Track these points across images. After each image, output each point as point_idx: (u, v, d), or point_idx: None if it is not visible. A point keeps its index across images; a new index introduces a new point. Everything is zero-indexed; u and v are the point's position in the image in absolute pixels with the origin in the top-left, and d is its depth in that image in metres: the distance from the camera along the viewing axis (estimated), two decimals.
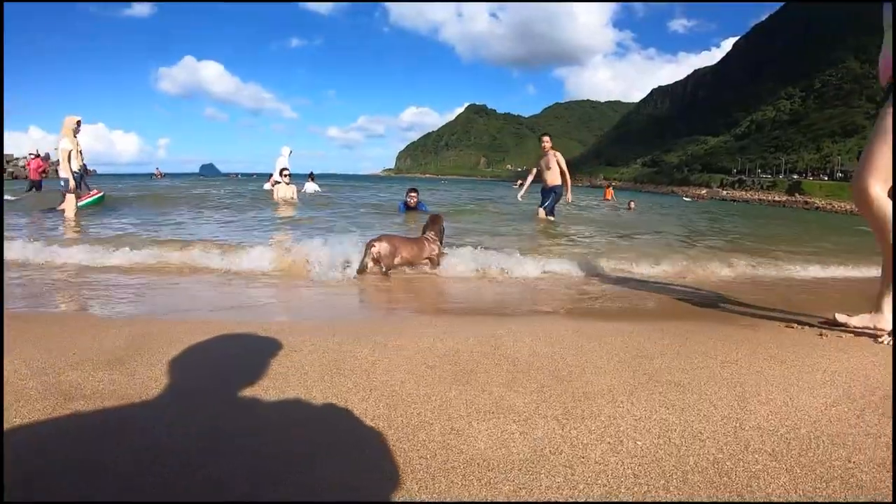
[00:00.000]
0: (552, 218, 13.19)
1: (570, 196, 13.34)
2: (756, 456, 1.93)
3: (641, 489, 1.70)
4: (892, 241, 3.41)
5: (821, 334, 3.73)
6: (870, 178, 3.49)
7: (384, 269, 5.79)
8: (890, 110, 3.43)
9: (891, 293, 3.70)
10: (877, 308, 3.80)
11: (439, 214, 6.76)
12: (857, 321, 3.85)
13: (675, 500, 1.66)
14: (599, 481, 1.74)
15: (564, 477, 1.76)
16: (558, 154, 13.10)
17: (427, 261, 6.16)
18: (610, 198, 31.35)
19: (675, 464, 1.86)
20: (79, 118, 11.82)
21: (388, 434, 2.02)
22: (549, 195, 13.13)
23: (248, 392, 2.34)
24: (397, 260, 5.92)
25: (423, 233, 6.40)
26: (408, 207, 14.39)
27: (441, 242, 6.42)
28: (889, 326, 3.69)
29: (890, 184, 3.46)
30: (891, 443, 2.07)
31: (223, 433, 1.97)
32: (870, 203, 3.51)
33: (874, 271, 6.27)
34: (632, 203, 25.81)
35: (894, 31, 3.40)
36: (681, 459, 1.89)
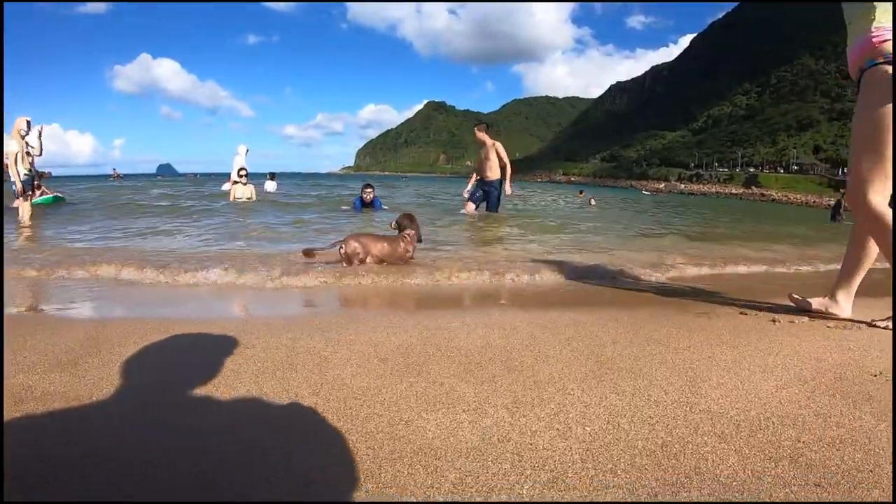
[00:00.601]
0: (491, 212, 12.80)
1: (508, 187, 12.84)
2: (705, 438, 1.93)
3: (589, 473, 1.69)
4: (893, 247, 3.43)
5: (773, 320, 3.77)
6: (869, 190, 3.42)
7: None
8: (863, 107, 3.45)
9: (850, 287, 3.84)
10: (831, 295, 3.92)
11: (413, 213, 6.65)
12: (815, 303, 3.96)
13: (622, 482, 1.65)
14: (547, 467, 1.73)
15: (511, 463, 1.74)
16: (497, 144, 12.67)
17: (399, 260, 6.06)
18: (582, 196, 31.89)
19: (624, 448, 1.85)
20: (27, 119, 11.65)
21: (337, 426, 1.99)
22: (490, 190, 12.79)
23: (199, 390, 2.29)
24: (368, 259, 5.86)
25: (400, 230, 6.33)
26: (363, 204, 14.29)
27: (420, 241, 6.38)
28: (844, 314, 3.84)
29: (888, 192, 3.42)
30: (841, 421, 2.10)
31: (173, 432, 1.92)
32: (875, 218, 3.44)
33: (833, 265, 6.44)
34: (592, 200, 26.08)
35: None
36: (629, 443, 1.88)
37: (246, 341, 3.02)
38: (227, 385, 2.36)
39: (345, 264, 5.77)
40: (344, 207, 15.32)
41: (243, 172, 17.32)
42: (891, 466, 1.76)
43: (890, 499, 1.58)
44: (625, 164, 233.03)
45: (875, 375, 2.62)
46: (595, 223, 13.69)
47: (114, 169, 56.77)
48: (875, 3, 3.32)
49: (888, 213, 3.38)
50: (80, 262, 5.85)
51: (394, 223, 6.46)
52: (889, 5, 3.29)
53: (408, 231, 6.29)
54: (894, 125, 3.24)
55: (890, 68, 3.26)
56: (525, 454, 1.81)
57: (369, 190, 14.37)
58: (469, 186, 13.63)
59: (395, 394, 2.29)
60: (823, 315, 3.90)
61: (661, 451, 1.83)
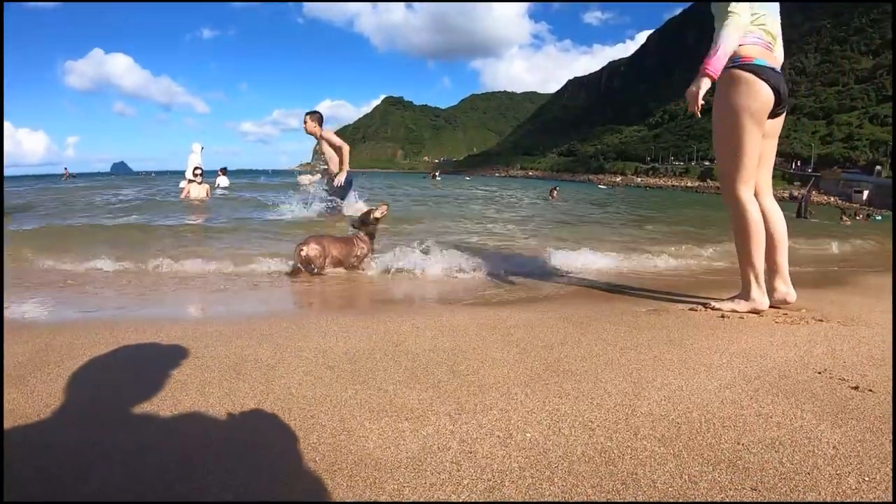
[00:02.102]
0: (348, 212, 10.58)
1: (337, 179, 10.86)
2: (644, 442, 1.94)
3: (526, 482, 1.69)
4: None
5: (723, 316, 3.82)
6: (737, 184, 3.89)
7: (315, 271, 5.63)
8: (716, 108, 3.96)
9: (758, 276, 3.97)
10: (746, 297, 4.03)
11: (370, 211, 6.42)
12: (725, 306, 4.05)
13: (559, 491, 1.65)
14: (484, 476, 1.72)
15: (450, 473, 1.74)
16: (328, 132, 11.14)
17: (356, 259, 5.99)
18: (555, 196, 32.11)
19: (563, 454, 1.86)
20: None
21: (279, 438, 1.97)
22: (347, 186, 11.05)
23: (145, 405, 2.25)
24: (328, 261, 5.77)
25: (355, 230, 6.21)
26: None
27: (373, 239, 6.25)
28: (763, 307, 3.97)
29: (751, 182, 3.91)
30: (782, 422, 2.13)
31: (116, 447, 1.89)
32: (741, 213, 3.90)
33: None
34: (554, 192, 26.30)
35: None
36: (568, 450, 1.89)
37: (195, 350, 2.97)
38: (172, 398, 2.31)
39: (301, 268, 5.66)
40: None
41: (199, 171, 16.83)
42: (830, 468, 1.79)
43: (890, 499, 1.60)
44: (582, 158, 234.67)
45: (820, 373, 2.67)
46: (558, 215, 13.71)
47: (65, 168, 55.64)
48: (730, 10, 3.65)
49: (752, 209, 3.87)
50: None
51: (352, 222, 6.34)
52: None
53: (361, 231, 6.18)
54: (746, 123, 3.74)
55: (738, 72, 3.72)
56: (464, 463, 1.80)
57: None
58: (306, 181, 11.87)
59: (340, 402, 2.27)
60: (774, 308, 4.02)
61: (600, 457, 1.84)
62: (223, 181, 22.16)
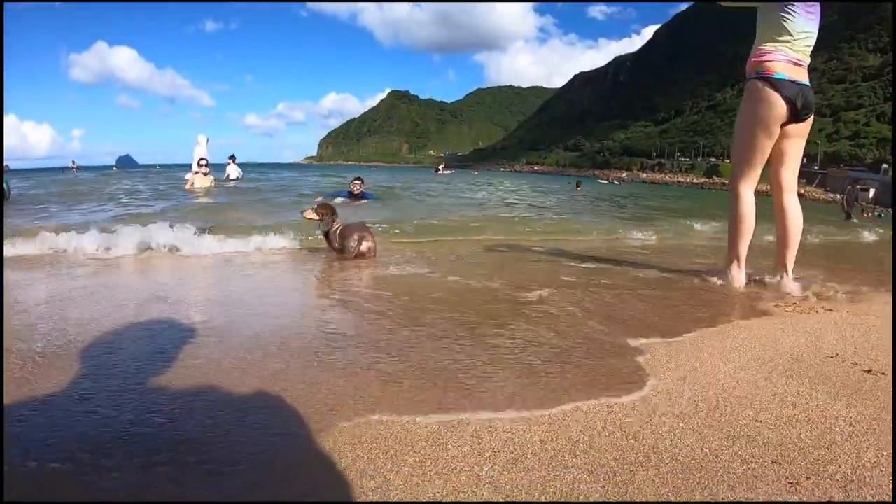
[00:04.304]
0: None
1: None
2: (664, 419, 1.97)
3: (548, 454, 1.71)
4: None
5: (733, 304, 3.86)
6: (740, 180, 4.47)
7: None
8: (739, 112, 4.51)
9: (739, 259, 4.52)
10: (726, 275, 4.57)
11: (329, 202, 6.37)
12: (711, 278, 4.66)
13: (581, 462, 1.66)
14: (506, 448, 1.75)
15: (471, 446, 1.76)
16: None
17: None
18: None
19: (582, 429, 1.88)
20: None
21: None
22: None
23: None
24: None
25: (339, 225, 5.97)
26: (351, 196, 13.45)
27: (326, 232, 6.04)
28: (737, 285, 4.45)
29: (753, 181, 4.48)
30: (797, 401, 2.15)
31: None
32: (738, 204, 4.48)
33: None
34: (579, 185, 27.05)
35: None
36: (588, 424, 1.91)
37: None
38: None
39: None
40: (338, 200, 13.57)
41: (203, 162, 16.74)
42: (848, 443, 1.81)
43: (890, 498, 1.60)
44: (588, 153, 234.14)
45: (832, 357, 2.69)
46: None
47: (73, 161, 55.57)
48: (764, 24, 4.27)
49: (746, 204, 4.44)
50: None
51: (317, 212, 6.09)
52: (766, 29, 4.26)
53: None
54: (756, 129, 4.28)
55: (757, 82, 4.22)
56: (485, 437, 1.83)
57: (358, 182, 13.64)
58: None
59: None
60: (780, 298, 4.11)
61: (620, 432, 1.87)
62: (233, 170, 21.59)
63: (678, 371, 2.44)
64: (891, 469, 1.66)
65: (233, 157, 22.74)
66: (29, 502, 1.53)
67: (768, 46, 4.22)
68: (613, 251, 6.53)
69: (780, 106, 4.14)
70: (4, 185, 13.26)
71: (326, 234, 5.96)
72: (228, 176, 20.79)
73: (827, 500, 1.55)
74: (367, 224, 6.18)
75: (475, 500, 1.53)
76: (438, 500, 1.55)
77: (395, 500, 1.52)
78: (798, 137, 4.40)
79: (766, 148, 4.32)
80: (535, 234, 8.11)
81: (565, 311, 3.53)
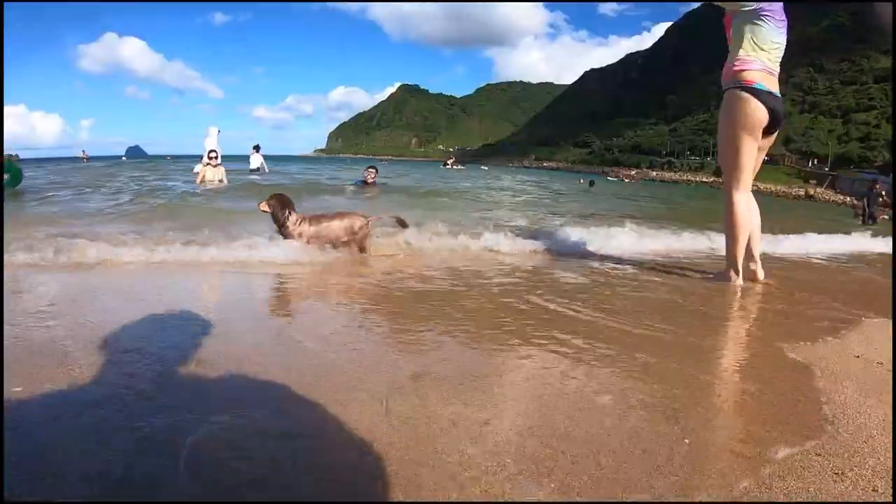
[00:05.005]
0: None
1: None
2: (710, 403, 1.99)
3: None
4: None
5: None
6: (733, 187, 4.66)
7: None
8: (720, 123, 4.71)
9: (737, 261, 4.71)
10: (727, 276, 4.79)
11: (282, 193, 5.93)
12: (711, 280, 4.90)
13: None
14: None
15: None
16: None
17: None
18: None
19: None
20: None
21: None
22: None
23: None
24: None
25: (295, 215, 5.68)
26: (366, 184, 13.89)
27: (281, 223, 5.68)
28: (736, 285, 4.67)
29: (747, 185, 4.68)
30: (830, 398, 2.23)
31: None
32: (732, 210, 4.66)
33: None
34: (581, 180, 27.04)
35: None
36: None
37: None
38: None
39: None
40: (350, 188, 14.53)
41: (213, 154, 16.45)
42: (885, 438, 1.91)
43: (890, 499, 1.63)
44: (598, 150, 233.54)
45: (857, 357, 2.81)
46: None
47: (83, 151, 55.66)
48: (745, 33, 4.42)
49: (743, 209, 4.62)
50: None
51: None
52: (748, 39, 4.42)
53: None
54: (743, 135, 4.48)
55: (739, 92, 4.40)
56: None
57: (372, 171, 14.03)
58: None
59: None
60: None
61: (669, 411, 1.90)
62: (256, 161, 21.57)
63: (712, 364, 2.56)
64: None
65: (256, 147, 22.70)
66: (29, 502, 1.53)
67: (746, 56, 4.43)
68: None
69: (762, 113, 4.39)
70: (9, 171, 13.25)
71: (282, 229, 5.59)
72: (252, 167, 21.05)
73: (829, 499, 1.59)
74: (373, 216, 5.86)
75: (475, 501, 1.55)
76: (439, 500, 1.57)
77: None
78: (763, 150, 4.77)
79: (754, 152, 4.57)
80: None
81: None
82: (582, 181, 36.14)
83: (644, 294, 4.29)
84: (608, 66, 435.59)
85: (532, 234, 6.80)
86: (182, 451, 1.68)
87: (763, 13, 4.35)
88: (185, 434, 1.78)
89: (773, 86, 4.46)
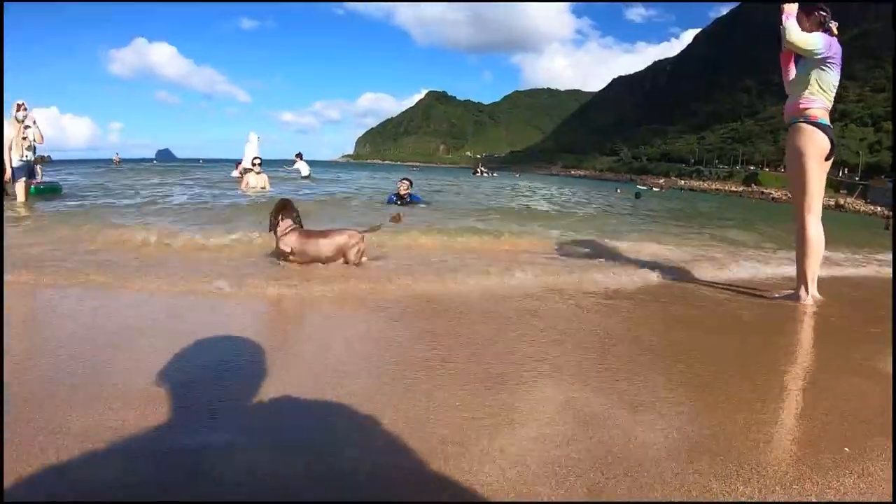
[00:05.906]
0: None
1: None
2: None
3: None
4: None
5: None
6: (805, 212, 5.02)
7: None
8: (789, 153, 5.13)
9: (808, 283, 5.07)
10: (797, 297, 5.15)
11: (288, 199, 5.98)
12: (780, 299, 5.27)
13: None
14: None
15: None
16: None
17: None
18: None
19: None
20: (19, 102, 11.19)
21: None
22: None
23: None
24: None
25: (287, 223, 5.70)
26: (399, 199, 12.72)
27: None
28: (807, 304, 5.02)
29: (817, 209, 5.03)
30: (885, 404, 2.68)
31: None
32: (804, 234, 5.03)
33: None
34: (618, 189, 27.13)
35: None
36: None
37: None
38: None
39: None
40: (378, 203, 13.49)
41: (257, 161, 16.74)
42: None
43: (890, 499, 1.78)
44: (625, 158, 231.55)
45: None
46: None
47: (116, 154, 55.78)
48: (812, 77, 4.88)
49: (815, 233, 4.98)
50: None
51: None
52: (814, 81, 4.88)
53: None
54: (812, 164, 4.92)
55: (805, 125, 4.90)
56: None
57: (406, 182, 13.01)
58: None
59: None
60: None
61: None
62: (303, 168, 21.75)
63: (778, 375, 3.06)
64: None
65: (299, 155, 23.32)
66: (29, 502, 1.60)
67: (812, 96, 4.90)
68: None
69: (826, 144, 4.90)
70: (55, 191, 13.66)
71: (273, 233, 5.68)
72: (300, 172, 21.52)
73: (824, 499, 1.78)
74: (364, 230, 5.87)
75: (477, 501, 1.70)
76: (442, 500, 1.71)
77: None
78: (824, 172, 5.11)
79: (823, 179, 5.05)
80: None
81: None
82: (619, 191, 35.80)
83: None
84: (636, 73, 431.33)
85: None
86: None
87: (830, 61, 4.84)
88: None
89: (828, 120, 4.98)
